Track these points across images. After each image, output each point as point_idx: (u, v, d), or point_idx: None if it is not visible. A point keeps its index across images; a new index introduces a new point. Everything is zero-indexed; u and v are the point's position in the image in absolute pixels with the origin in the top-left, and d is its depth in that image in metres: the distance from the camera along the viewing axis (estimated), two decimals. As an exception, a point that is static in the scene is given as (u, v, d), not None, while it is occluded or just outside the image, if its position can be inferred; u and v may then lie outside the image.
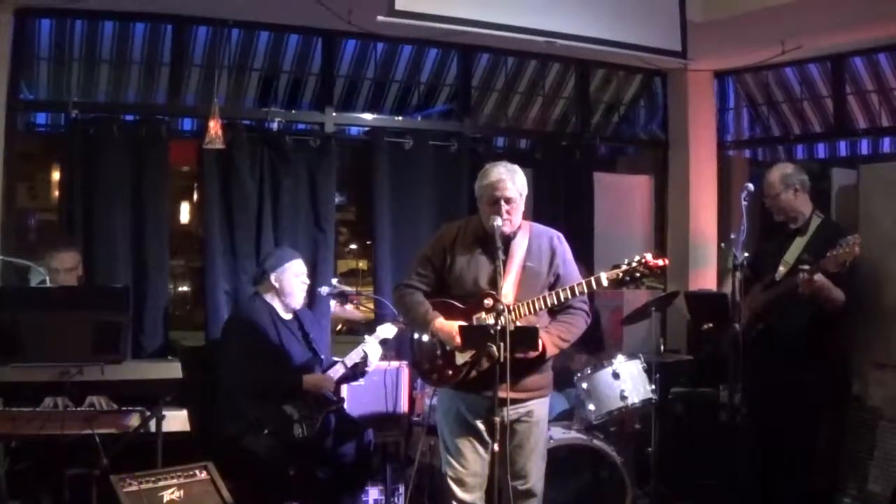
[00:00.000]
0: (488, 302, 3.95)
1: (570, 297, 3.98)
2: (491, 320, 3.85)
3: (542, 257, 4.10)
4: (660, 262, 3.97)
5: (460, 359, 3.99)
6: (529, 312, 3.96)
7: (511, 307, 3.90)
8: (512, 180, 4.01)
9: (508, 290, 3.97)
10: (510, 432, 3.92)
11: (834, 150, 7.22)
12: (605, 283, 3.95)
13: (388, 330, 5.32)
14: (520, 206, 4.06)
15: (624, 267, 3.95)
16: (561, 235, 4.22)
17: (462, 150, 6.68)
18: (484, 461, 4.04)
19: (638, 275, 3.95)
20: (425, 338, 4.12)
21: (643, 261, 3.93)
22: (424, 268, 4.16)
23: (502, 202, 3.98)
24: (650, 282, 6.81)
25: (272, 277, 5.18)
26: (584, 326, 4.15)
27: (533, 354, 3.90)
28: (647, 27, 5.95)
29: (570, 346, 4.17)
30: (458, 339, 3.91)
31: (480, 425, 4.03)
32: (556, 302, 3.99)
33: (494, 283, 3.89)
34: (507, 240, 4.04)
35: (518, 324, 3.89)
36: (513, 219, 4.03)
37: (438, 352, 4.06)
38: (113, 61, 6.03)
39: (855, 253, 4.55)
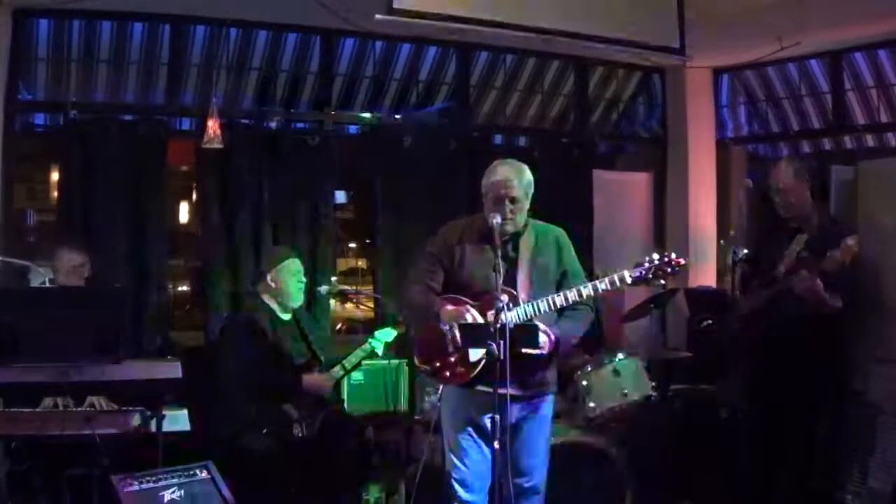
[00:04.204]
0: (504, 298, 3.87)
1: (591, 293, 3.94)
2: (503, 317, 3.69)
3: (549, 253, 4.08)
4: (682, 261, 3.94)
5: (474, 356, 3.95)
6: (550, 310, 3.93)
7: (523, 303, 3.88)
8: (519, 179, 3.99)
9: (521, 286, 3.96)
10: (514, 430, 3.91)
11: (837, 145, 7.20)
12: (628, 280, 3.91)
13: (387, 335, 5.29)
14: (525, 205, 4.02)
15: (646, 265, 3.91)
16: (563, 232, 4.20)
17: (461, 149, 6.68)
18: (488, 461, 3.97)
19: (661, 273, 3.90)
20: (442, 325, 4.04)
21: (668, 259, 3.89)
22: (432, 265, 4.12)
23: (507, 201, 3.95)
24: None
25: (269, 277, 5.16)
26: (588, 324, 4.13)
27: (540, 350, 3.86)
28: (646, 24, 5.97)
29: (573, 343, 4.16)
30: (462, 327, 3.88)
31: (485, 423, 4.00)
32: (578, 298, 3.93)
33: (504, 279, 3.82)
34: (515, 237, 4.03)
35: (534, 321, 3.87)
36: (516, 218, 4.00)
37: (451, 349, 4.01)
38: (111, 61, 6.03)
39: (854, 252, 4.54)
